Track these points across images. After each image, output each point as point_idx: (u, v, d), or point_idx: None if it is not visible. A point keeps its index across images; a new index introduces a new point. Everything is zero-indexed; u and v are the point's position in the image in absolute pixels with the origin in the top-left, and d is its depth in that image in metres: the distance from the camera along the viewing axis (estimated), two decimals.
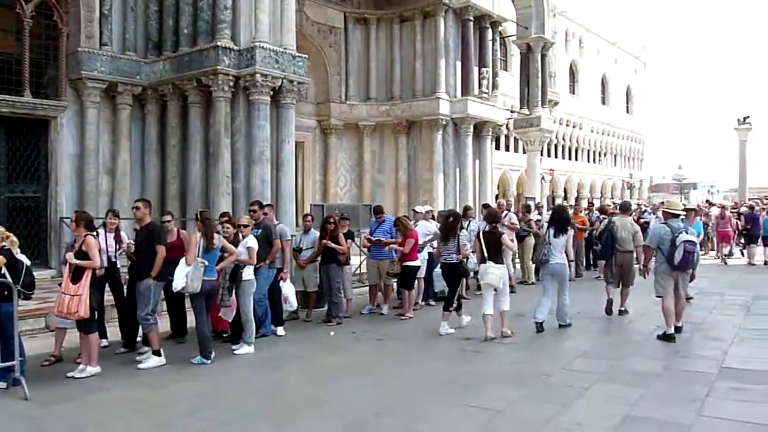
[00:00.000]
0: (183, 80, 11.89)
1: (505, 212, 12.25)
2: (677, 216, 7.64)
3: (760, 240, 15.67)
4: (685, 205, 10.49)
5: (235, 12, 11.58)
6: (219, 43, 11.33)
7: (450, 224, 8.29)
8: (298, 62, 11.97)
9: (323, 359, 6.63)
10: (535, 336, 7.78)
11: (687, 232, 7.44)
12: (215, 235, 6.70)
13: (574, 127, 52.72)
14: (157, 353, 6.41)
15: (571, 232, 8.26)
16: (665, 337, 7.44)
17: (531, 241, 12.74)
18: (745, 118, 40.50)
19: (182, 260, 6.46)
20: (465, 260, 8.01)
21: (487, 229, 7.79)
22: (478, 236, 7.83)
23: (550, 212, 9.75)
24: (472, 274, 8.32)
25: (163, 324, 7.16)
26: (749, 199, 29.27)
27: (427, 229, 10.07)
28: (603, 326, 8.45)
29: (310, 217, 9.40)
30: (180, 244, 7.05)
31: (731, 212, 17.57)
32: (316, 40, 18.90)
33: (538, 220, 12.94)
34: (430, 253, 9.99)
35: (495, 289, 7.64)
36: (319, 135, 19.53)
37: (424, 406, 5.07)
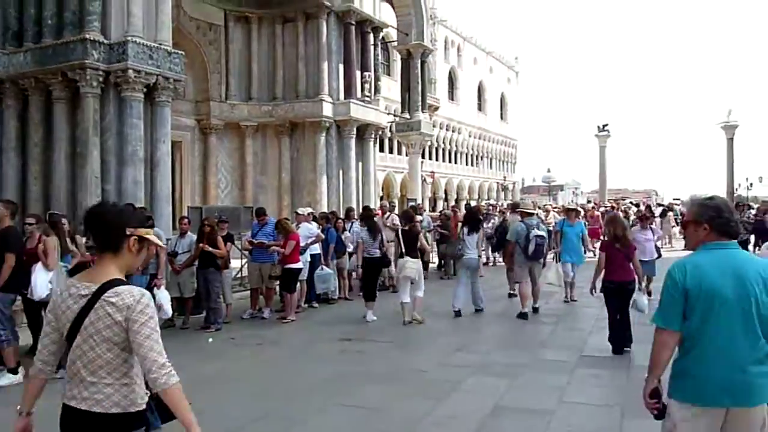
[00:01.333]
0: (47, 74, 11.20)
1: (387, 213, 12.49)
2: (531, 215, 9.15)
3: None
4: (565, 206, 11.42)
5: (105, 4, 11.02)
6: (87, 36, 10.75)
7: (375, 222, 9.55)
8: (174, 59, 11.52)
9: (200, 367, 6.41)
10: (414, 334, 7.99)
11: (538, 228, 8.90)
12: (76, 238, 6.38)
13: (453, 131, 55.06)
14: (13, 371, 5.95)
15: (482, 231, 9.43)
16: (521, 315, 8.72)
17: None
18: (604, 126, 43.88)
19: (38, 267, 6.10)
20: (384, 256, 9.27)
21: (405, 228, 8.73)
22: (397, 234, 8.86)
23: (463, 213, 11.26)
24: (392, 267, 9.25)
25: (26, 337, 6.65)
26: (609, 200, 31.74)
27: (309, 231, 10.02)
28: (479, 321, 8.78)
29: (186, 220, 9.11)
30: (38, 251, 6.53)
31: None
32: (195, 37, 18.22)
33: (421, 221, 13.18)
34: (312, 255, 9.97)
35: (412, 281, 8.47)
36: (198, 135, 18.82)
37: (302, 409, 5.03)
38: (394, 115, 25.25)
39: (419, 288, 8.66)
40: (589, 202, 41.35)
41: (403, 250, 8.59)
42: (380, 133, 21.74)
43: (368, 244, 9.18)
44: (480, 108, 60.08)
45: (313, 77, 18.75)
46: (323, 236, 10.30)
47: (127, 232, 2.28)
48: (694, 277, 2.62)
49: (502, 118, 65.91)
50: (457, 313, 9.00)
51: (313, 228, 10.23)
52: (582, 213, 15.59)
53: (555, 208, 22.55)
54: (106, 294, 2.19)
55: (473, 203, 43.96)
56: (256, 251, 9.44)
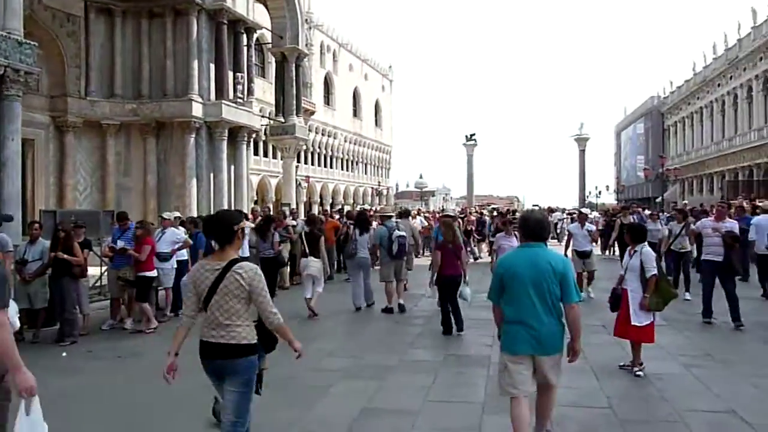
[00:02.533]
0: None
1: (260, 218, 12.40)
2: (390, 218, 10.22)
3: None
4: (442, 210, 12.15)
5: None
6: None
7: (265, 223, 10.55)
8: (25, 49, 10.66)
9: (54, 383, 5.94)
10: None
11: (399, 229, 9.94)
12: None
13: (328, 136, 55.05)
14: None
15: (371, 231, 10.44)
16: (386, 310, 9.55)
17: (287, 245, 12.85)
18: (471, 136, 46.17)
19: None
20: (278, 255, 10.32)
21: (308, 230, 9.70)
22: (300, 237, 9.90)
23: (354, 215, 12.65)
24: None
25: None
26: (479, 206, 33.61)
27: (176, 236, 9.67)
28: (351, 325, 8.92)
29: (37, 225, 8.44)
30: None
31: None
32: (51, 27, 16.90)
33: (294, 226, 13.15)
34: (180, 261, 9.62)
35: (314, 280, 9.33)
36: (53, 132, 17.43)
37: (165, 425, 4.81)
38: (269, 118, 24.97)
39: (319, 285, 9.48)
40: (454, 206, 43.24)
41: (307, 251, 9.49)
42: (254, 136, 21.38)
43: (261, 246, 10.27)
44: (355, 114, 60.94)
45: (183, 76, 18.06)
46: (191, 242, 9.96)
47: (235, 228, 3.63)
48: (506, 267, 4.08)
49: (376, 124, 67.33)
50: (358, 309, 9.93)
51: (180, 233, 9.89)
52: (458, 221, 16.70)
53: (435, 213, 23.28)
54: (234, 267, 3.55)
55: (347, 208, 44.47)
56: (116, 258, 8.98)
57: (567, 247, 11.07)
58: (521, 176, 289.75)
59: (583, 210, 13.13)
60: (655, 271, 6.02)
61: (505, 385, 4.02)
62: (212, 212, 15.98)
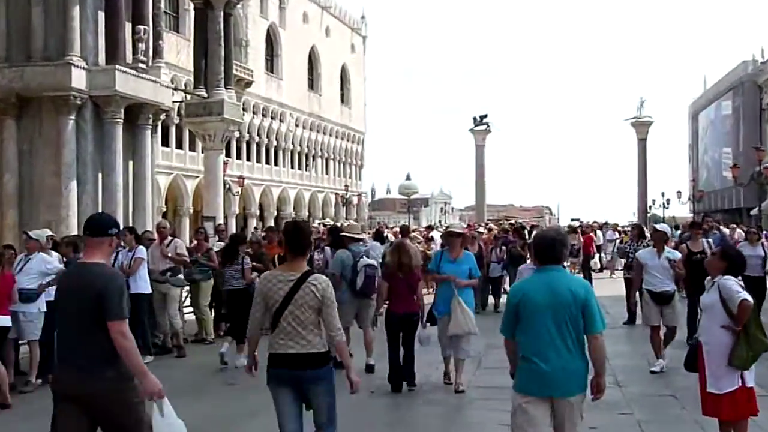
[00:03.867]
0: None
1: (170, 239, 12.73)
2: (358, 240, 10.78)
3: None
4: (443, 227, 12.82)
5: None
6: None
7: (232, 244, 11.61)
8: None
9: None
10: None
11: (368, 256, 10.56)
12: None
13: (272, 118, 54.34)
14: None
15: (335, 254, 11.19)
16: (368, 369, 10.15)
17: (209, 283, 13.25)
18: (482, 118, 46.68)
19: None
20: (250, 286, 10.92)
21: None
22: (260, 258, 11.88)
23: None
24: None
25: None
26: (507, 221, 33.97)
27: (45, 264, 9.67)
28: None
29: None
30: None
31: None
32: None
33: (219, 251, 13.32)
34: (50, 302, 9.54)
35: None
36: None
37: None
38: (185, 92, 24.95)
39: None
40: (457, 219, 43.92)
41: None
42: (163, 117, 21.31)
43: (227, 274, 11.50)
44: (312, 86, 60.85)
45: (57, 30, 17.98)
46: None
47: (310, 241, 5.48)
48: (520, 294, 4.98)
49: (343, 101, 67.33)
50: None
51: (53, 260, 9.91)
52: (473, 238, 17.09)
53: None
54: (309, 279, 5.18)
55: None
56: None
57: (634, 286, 11.13)
58: (555, 180, 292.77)
59: (660, 227, 12.65)
60: (745, 296, 5.97)
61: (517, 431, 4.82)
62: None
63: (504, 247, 18.74)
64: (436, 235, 23.47)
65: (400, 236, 16.79)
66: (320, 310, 5.16)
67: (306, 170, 60.61)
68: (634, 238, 15.69)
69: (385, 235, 20.04)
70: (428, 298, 10.58)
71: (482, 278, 14.47)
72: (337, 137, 65.47)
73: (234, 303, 11.27)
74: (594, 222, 32.99)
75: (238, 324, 10.71)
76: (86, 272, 4.84)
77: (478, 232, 20.44)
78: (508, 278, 18.35)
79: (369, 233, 20.13)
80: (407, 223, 34.15)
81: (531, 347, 4.84)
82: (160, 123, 20.98)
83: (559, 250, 5.02)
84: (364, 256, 10.52)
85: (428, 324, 9.58)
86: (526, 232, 22.12)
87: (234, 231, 34.39)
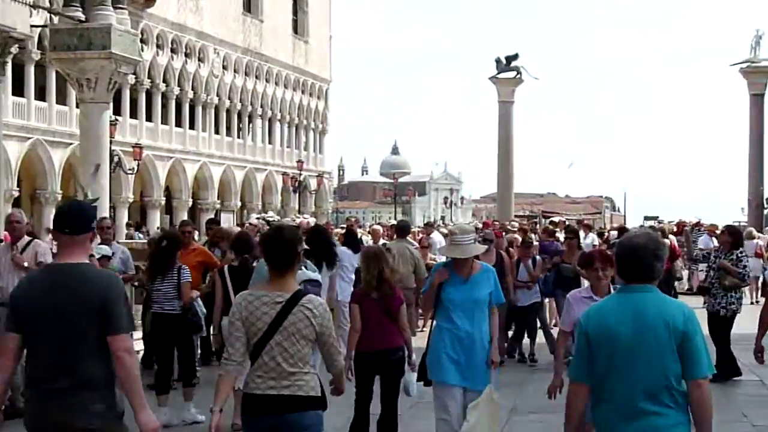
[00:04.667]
0: None
1: (27, 239, 12.57)
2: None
3: None
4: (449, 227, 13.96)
5: None
6: None
7: (169, 247, 12.50)
8: None
9: None
10: None
11: (306, 267, 11.30)
12: None
13: (188, 57, 55.67)
14: None
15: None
16: None
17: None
18: (509, 60, 46.33)
19: None
20: (188, 310, 12.28)
21: (236, 262, 12.07)
22: (221, 273, 12.33)
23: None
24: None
25: None
26: (545, 217, 35.03)
27: None
28: None
29: None
30: None
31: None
32: None
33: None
34: None
35: None
36: None
37: None
38: (50, 12, 24.44)
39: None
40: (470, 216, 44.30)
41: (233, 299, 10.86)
42: (14, 51, 20.81)
43: (154, 294, 12.41)
44: (248, 7, 60.28)
45: None
46: None
47: (299, 251, 6.41)
48: (595, 323, 5.33)
49: (297, 32, 67.82)
50: None
51: None
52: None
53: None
54: (302, 301, 5.98)
55: (227, 218, 43.95)
56: None
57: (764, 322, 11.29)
58: (620, 158, 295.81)
59: None
60: None
61: None
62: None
63: (541, 259, 19.44)
64: (438, 237, 23.48)
65: (395, 237, 19.44)
66: (315, 341, 5.95)
67: (238, 137, 60.50)
68: (724, 247, 16.38)
69: (359, 236, 21.08)
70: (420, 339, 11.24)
71: (503, 307, 14.57)
72: (287, 87, 65.17)
73: (163, 333, 12.32)
74: (681, 221, 32.78)
75: (164, 364, 11.77)
76: (72, 276, 5.44)
77: (504, 232, 20.66)
78: (548, 308, 18.43)
79: (338, 236, 20.63)
80: (403, 219, 34.12)
81: (610, 399, 5.14)
82: (9, 60, 20.39)
83: (651, 263, 5.25)
84: (303, 268, 10.81)
85: (417, 375, 9.98)
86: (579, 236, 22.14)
87: (149, 227, 34.21)
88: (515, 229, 25.29)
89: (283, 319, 5.72)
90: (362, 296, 10.18)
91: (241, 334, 5.84)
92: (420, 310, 18.77)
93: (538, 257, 19.55)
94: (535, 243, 21.54)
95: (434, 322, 10.54)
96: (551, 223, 33.16)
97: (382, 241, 20.65)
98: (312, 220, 29.36)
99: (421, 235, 25.96)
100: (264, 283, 6.17)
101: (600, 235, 30.47)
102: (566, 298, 10.82)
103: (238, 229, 20.73)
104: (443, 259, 13.81)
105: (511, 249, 20.08)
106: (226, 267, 12.76)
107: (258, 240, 12.49)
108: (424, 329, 14.92)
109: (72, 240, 5.45)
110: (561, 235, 25.03)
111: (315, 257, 12.46)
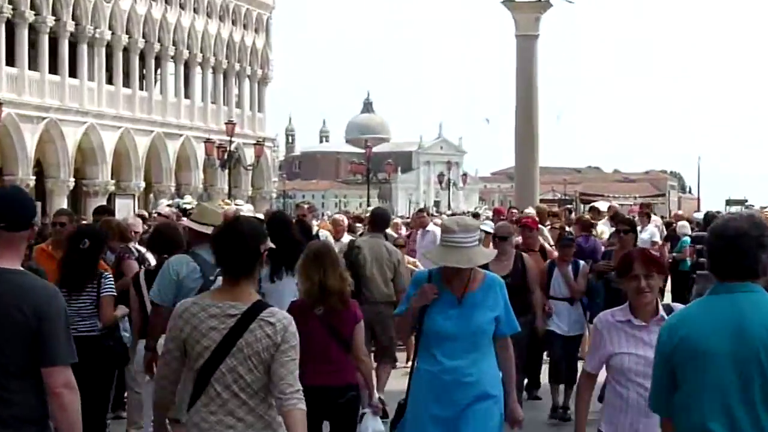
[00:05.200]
0: None
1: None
2: (204, 239, 11.88)
3: None
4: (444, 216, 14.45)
5: None
6: None
7: (85, 256, 13.19)
8: None
9: None
10: None
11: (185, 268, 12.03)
12: None
13: None
14: None
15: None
16: None
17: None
18: None
19: None
20: (110, 333, 13.15)
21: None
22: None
23: None
24: None
25: None
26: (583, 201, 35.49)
27: None
28: None
29: None
30: None
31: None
32: None
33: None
34: None
35: None
36: None
37: None
38: None
39: None
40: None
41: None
42: None
43: (71, 312, 11.38)
44: None
45: None
46: None
47: (261, 251, 6.78)
48: (680, 335, 5.37)
49: None
50: None
51: None
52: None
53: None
54: (262, 314, 6.46)
55: (126, 206, 43.85)
56: None
57: None
58: (689, 119, 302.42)
59: None
60: None
61: None
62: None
63: (586, 265, 19.47)
64: (435, 230, 23.95)
65: (368, 231, 20.17)
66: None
67: (141, 89, 60.38)
68: None
69: (316, 231, 21.63)
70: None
71: (525, 338, 15.16)
72: (210, 17, 65.15)
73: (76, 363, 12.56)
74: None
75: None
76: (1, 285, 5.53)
77: (523, 224, 21.02)
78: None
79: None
80: (380, 207, 34.62)
81: (702, 427, 5.12)
82: None
83: (755, 255, 5.18)
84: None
85: (390, 425, 10.02)
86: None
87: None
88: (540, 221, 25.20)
89: (237, 337, 5.87)
90: (301, 311, 9.97)
91: (178, 352, 6.01)
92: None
93: (581, 262, 19.46)
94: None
95: (415, 362, 10.54)
96: (591, 210, 33.30)
97: (348, 238, 20.58)
98: (248, 208, 29.23)
99: (408, 230, 25.89)
100: (214, 290, 6.42)
101: (667, 226, 30.55)
102: (594, 323, 10.49)
103: (138, 220, 21.30)
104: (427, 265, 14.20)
105: (549, 248, 20.68)
106: (141, 273, 13.38)
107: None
108: (407, 364, 15.44)
109: (7, 237, 5.50)
110: (603, 228, 25.06)
111: (275, 259, 12.78)
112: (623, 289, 10.03)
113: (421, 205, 49.47)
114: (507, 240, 17.66)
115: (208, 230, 11.89)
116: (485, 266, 11.02)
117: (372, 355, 16.34)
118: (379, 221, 19.16)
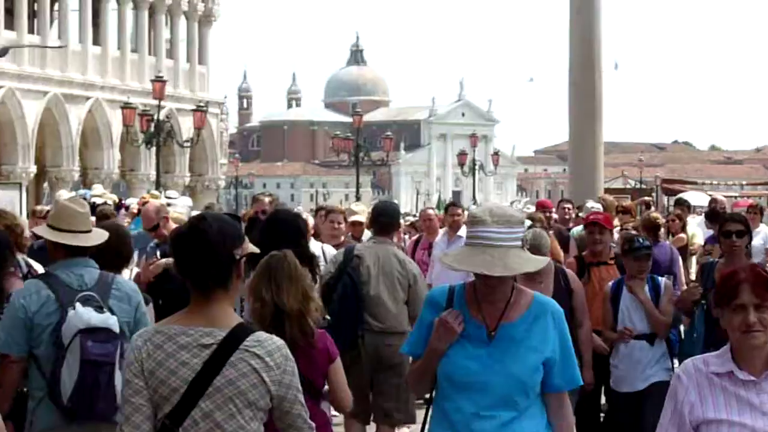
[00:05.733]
0: None
1: None
2: (86, 252, 12.49)
3: None
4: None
5: None
6: None
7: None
8: None
9: None
10: None
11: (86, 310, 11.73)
12: None
13: None
14: None
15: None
16: None
17: None
18: None
19: None
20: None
21: None
22: None
23: None
24: None
25: None
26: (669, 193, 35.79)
27: None
28: None
29: None
30: None
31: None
32: None
33: None
34: None
35: None
36: None
37: None
38: None
39: None
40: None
41: None
42: None
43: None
44: None
45: None
46: None
47: (236, 257, 6.88)
48: None
49: None
50: None
51: None
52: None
53: None
54: (247, 341, 6.57)
55: (9, 199, 44.20)
56: None
57: None
58: None
59: None
60: None
61: None
62: None
63: (669, 282, 19.18)
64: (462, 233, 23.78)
65: (373, 235, 19.86)
66: (271, 410, 6.27)
67: (32, 32, 60.52)
68: None
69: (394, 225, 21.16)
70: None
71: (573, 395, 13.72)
72: None
73: None
74: None
75: None
76: None
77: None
78: None
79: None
80: (386, 200, 35.32)
81: None
82: None
83: None
84: (81, 303, 11.45)
85: None
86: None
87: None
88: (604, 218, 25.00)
89: (214, 373, 5.73)
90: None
91: (145, 401, 5.77)
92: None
93: (662, 279, 18.87)
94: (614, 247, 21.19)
95: (432, 403, 10.19)
96: (679, 204, 33.30)
97: (328, 251, 20.38)
98: (183, 202, 29.54)
99: (413, 234, 25.85)
100: (181, 314, 6.08)
101: None
102: (676, 374, 10.14)
103: (24, 220, 21.34)
104: (447, 279, 14.72)
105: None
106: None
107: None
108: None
109: None
110: (696, 231, 25.16)
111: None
112: (723, 325, 8.54)
113: (434, 198, 49.75)
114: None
115: (67, 240, 12.18)
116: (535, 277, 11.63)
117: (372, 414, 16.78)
118: (385, 220, 18.67)
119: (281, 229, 16.00)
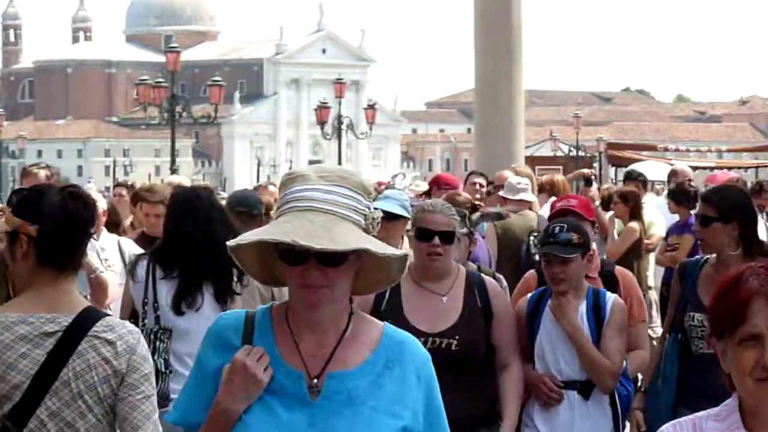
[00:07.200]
0: None
1: None
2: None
3: None
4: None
5: None
6: None
7: None
8: None
9: None
10: None
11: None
12: None
13: None
14: None
15: None
16: None
17: None
18: None
19: None
20: None
21: None
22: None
23: None
24: None
25: None
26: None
27: None
28: None
29: None
30: None
31: None
32: None
33: None
34: None
35: None
36: None
37: None
38: None
39: None
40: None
41: None
42: None
43: None
44: None
45: None
46: None
47: (90, 229, 9.06)
48: None
49: None
50: None
51: None
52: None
53: None
54: (96, 327, 7.86)
55: None
56: None
57: None
58: None
59: None
60: None
61: None
62: None
63: (613, 298, 18.50)
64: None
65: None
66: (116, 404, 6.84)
67: None
68: None
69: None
70: None
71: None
72: None
73: None
74: None
75: None
76: None
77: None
78: None
79: None
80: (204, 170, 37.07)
81: None
82: None
83: None
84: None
85: None
86: None
87: None
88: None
89: (60, 365, 6.20)
90: None
91: None
92: None
93: (610, 296, 17.67)
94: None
95: None
96: (630, 178, 33.86)
97: (127, 248, 20.58)
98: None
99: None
100: (17, 300, 6.43)
101: None
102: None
103: None
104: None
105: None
106: None
107: None
108: None
109: None
110: (654, 218, 26.07)
111: (185, 269, 13.36)
112: (726, 366, 7.14)
113: (282, 170, 50.30)
114: (447, 239, 15.47)
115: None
116: (391, 309, 11.54)
117: None
118: (244, 210, 17.77)
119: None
